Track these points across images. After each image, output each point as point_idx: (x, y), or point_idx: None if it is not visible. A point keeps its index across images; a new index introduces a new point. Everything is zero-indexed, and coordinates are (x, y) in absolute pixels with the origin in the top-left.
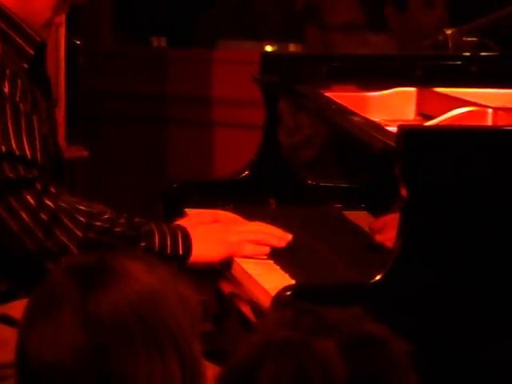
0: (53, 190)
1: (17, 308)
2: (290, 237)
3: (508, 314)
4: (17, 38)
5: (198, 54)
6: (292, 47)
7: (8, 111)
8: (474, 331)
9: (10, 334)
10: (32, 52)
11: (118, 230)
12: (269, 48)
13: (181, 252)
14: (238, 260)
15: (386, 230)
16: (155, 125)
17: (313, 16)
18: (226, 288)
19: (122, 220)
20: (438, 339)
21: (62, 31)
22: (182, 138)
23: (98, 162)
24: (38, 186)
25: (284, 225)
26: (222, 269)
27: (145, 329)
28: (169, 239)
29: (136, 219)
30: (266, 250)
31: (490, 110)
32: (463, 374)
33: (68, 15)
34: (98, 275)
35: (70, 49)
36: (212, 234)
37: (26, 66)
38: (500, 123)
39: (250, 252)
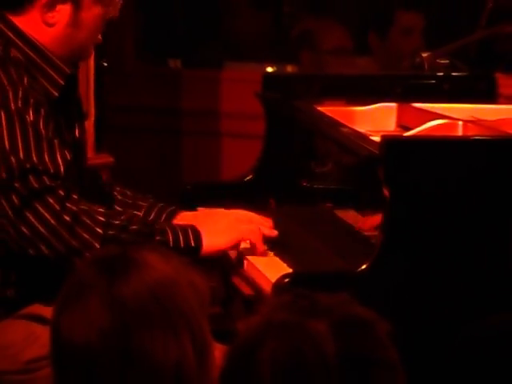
0: (74, 196)
1: (46, 307)
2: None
3: (477, 297)
4: (49, 70)
5: (208, 73)
6: (289, 68)
7: (30, 135)
8: (447, 313)
9: (41, 331)
10: (62, 82)
11: (134, 227)
12: (269, 69)
13: (192, 244)
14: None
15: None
16: (171, 135)
17: (307, 41)
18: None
19: (137, 219)
20: (415, 320)
21: (91, 55)
22: (194, 146)
23: (122, 167)
24: (61, 193)
25: (282, 222)
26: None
27: (161, 311)
28: (180, 234)
29: (151, 215)
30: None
31: (460, 123)
32: (438, 351)
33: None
34: (120, 265)
35: (98, 70)
36: (221, 224)
37: (56, 94)
38: (469, 134)
39: (254, 241)
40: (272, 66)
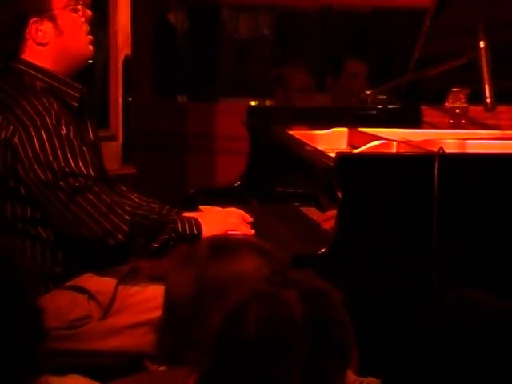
0: (107, 190)
1: (85, 280)
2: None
3: (404, 275)
4: (66, 89)
5: (207, 106)
6: (267, 102)
7: (66, 146)
8: (386, 285)
9: (80, 299)
10: (78, 95)
11: (153, 216)
12: (252, 102)
13: (195, 232)
14: None
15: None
16: (178, 152)
17: (280, 82)
18: None
19: (156, 210)
20: (361, 290)
21: (119, 91)
22: (196, 160)
23: (142, 175)
24: (96, 189)
25: (262, 216)
26: None
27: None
28: (187, 224)
29: (164, 211)
30: (250, 230)
31: (394, 143)
32: (379, 313)
33: (123, 81)
34: (222, 252)
35: (124, 103)
36: (215, 218)
37: (76, 104)
38: (401, 151)
39: (239, 230)
40: (254, 101)
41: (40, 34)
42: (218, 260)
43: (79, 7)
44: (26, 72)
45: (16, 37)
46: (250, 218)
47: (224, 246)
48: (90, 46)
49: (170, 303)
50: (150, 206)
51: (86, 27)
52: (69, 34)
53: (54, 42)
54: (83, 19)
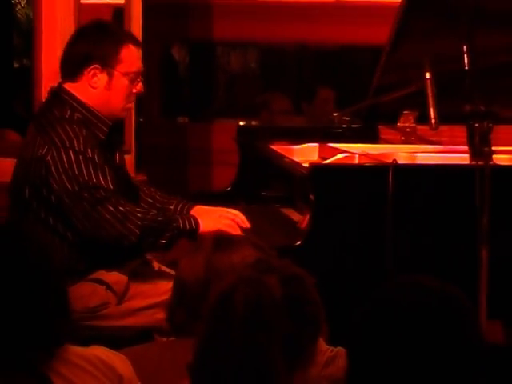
0: (122, 201)
1: (103, 273)
2: (248, 224)
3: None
4: (98, 123)
5: (204, 125)
6: (253, 122)
7: (90, 164)
8: (351, 273)
9: (99, 289)
10: (106, 129)
11: (160, 219)
12: (241, 123)
13: (194, 227)
14: None
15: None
16: (181, 163)
17: (265, 106)
18: None
19: (162, 213)
20: (329, 276)
21: (133, 113)
22: (196, 171)
23: (152, 182)
24: (113, 200)
25: (248, 216)
26: None
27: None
28: (187, 221)
29: (167, 213)
30: (238, 229)
31: (357, 155)
32: (345, 295)
33: (135, 105)
34: (225, 244)
35: (137, 123)
36: (210, 216)
37: (103, 137)
38: (362, 162)
39: (229, 228)
40: (243, 121)
41: (95, 79)
42: (222, 251)
43: (138, 80)
44: (68, 103)
45: (75, 68)
46: (244, 220)
47: (226, 240)
48: (125, 112)
49: (181, 284)
50: (169, 202)
51: (132, 97)
52: (115, 93)
53: (100, 91)
54: (134, 90)
